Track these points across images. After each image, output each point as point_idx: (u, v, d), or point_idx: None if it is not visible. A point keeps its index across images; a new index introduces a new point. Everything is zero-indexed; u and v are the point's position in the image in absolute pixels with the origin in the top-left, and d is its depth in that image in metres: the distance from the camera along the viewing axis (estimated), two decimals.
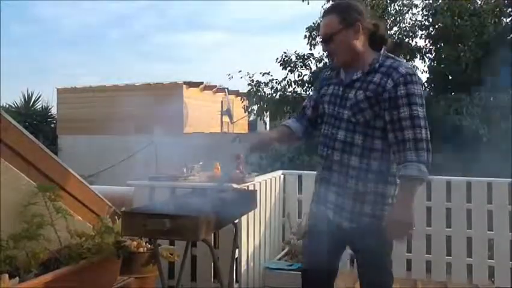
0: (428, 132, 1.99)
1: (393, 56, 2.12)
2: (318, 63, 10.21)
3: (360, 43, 2.13)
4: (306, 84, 10.03)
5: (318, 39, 2.73)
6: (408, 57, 10.02)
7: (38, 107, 16.32)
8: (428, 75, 10.40)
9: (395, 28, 10.48)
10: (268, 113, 10.49)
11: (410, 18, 10.70)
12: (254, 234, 3.77)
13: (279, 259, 4.11)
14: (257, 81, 10.29)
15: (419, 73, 10.53)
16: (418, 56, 10.20)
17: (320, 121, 2.31)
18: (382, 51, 2.13)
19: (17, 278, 2.16)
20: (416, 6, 10.60)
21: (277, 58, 10.06)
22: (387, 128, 2.04)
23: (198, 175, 3.86)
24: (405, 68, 2.04)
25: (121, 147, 12.38)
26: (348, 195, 2.11)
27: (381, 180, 2.09)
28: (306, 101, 2.44)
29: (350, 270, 3.91)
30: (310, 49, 10.10)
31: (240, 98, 13.08)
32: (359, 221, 2.11)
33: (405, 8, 10.63)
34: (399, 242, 2.21)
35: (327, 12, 2.19)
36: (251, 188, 3.54)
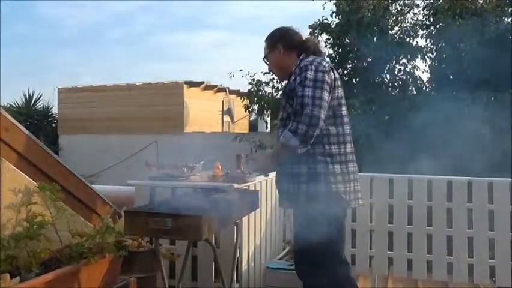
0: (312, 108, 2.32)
1: (308, 58, 2.58)
2: None
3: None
4: None
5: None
6: (409, 57, 10.03)
7: (39, 106, 16.31)
8: (429, 75, 10.40)
9: (396, 28, 10.48)
10: (269, 113, 10.49)
11: (411, 18, 10.70)
12: (255, 234, 3.77)
13: (280, 259, 4.11)
14: (258, 80, 10.28)
15: (419, 73, 10.57)
16: (419, 56, 10.20)
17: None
18: (301, 57, 2.63)
19: (18, 278, 2.16)
20: (418, 5, 10.60)
21: None
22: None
23: (199, 175, 3.86)
24: (306, 62, 2.50)
25: (122, 146, 12.39)
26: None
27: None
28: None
29: None
30: None
31: (240, 97, 13.07)
32: None
33: (406, 8, 10.63)
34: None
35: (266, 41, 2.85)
36: (252, 187, 3.54)
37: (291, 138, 2.30)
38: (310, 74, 2.37)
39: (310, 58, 2.52)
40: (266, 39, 2.75)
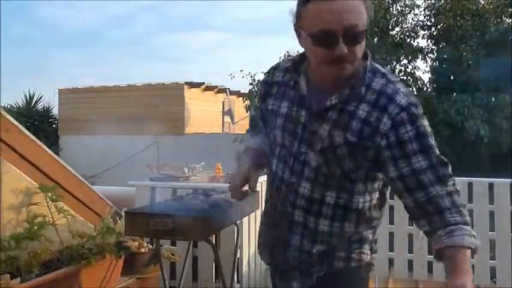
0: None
1: (381, 69, 1.44)
2: None
3: None
4: None
5: (336, 28, 1.29)
6: (410, 58, 10.04)
7: (40, 107, 16.33)
8: (429, 75, 10.41)
9: (397, 28, 10.49)
10: None
11: (412, 19, 10.73)
12: (255, 235, 3.77)
13: None
14: (258, 80, 10.31)
15: (420, 73, 10.57)
16: (420, 56, 10.22)
17: (269, 150, 1.61)
18: (368, 61, 1.43)
19: (19, 279, 2.17)
20: (418, 6, 10.63)
21: (280, 58, 10.08)
22: (392, 185, 1.41)
23: (200, 175, 3.87)
24: (405, 96, 1.37)
25: (123, 147, 12.39)
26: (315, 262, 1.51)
27: (357, 240, 1.52)
28: (253, 111, 1.71)
29: None
30: None
31: (241, 98, 13.09)
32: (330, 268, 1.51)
33: (407, 9, 10.64)
34: None
35: None
36: None
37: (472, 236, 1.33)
38: (427, 125, 1.38)
39: (398, 81, 1.44)
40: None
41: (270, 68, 1.62)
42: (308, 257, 1.50)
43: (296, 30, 1.41)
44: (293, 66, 1.52)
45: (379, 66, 1.45)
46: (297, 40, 1.43)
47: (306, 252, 1.50)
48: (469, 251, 1.30)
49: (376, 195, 1.50)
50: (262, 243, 1.67)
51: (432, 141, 1.36)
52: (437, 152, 1.36)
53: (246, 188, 1.59)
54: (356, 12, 1.30)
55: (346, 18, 1.28)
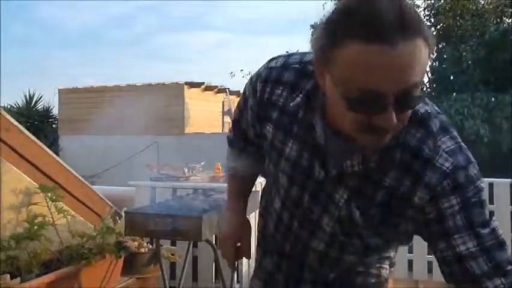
0: None
1: (420, 112, 1.01)
2: None
3: None
4: None
5: (386, 89, 0.84)
6: None
7: (40, 107, 16.34)
8: (429, 75, 10.42)
9: None
10: None
11: None
12: (255, 235, 3.77)
13: None
14: None
15: None
16: None
17: (263, 173, 1.36)
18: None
19: (19, 279, 2.16)
20: (418, 6, 10.62)
21: None
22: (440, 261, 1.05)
23: (200, 175, 3.87)
24: (450, 156, 1.00)
25: (123, 147, 12.38)
26: None
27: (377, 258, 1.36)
28: (237, 118, 1.35)
29: None
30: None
31: None
32: None
33: None
34: None
35: (407, 33, 0.85)
36: (252, 188, 3.54)
37: None
38: (481, 195, 1.03)
39: (449, 132, 1.04)
40: (425, 33, 0.88)
41: (260, 79, 1.17)
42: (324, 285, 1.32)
43: (317, 68, 0.97)
44: (306, 97, 1.07)
45: (420, 105, 1.00)
46: (317, 77, 0.98)
47: (322, 283, 1.31)
48: None
49: None
50: (263, 272, 1.43)
51: (486, 213, 1.02)
52: (494, 225, 1.04)
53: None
54: (419, 64, 0.86)
55: (404, 77, 0.85)
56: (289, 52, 1.20)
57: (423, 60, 0.88)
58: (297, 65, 1.13)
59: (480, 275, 0.97)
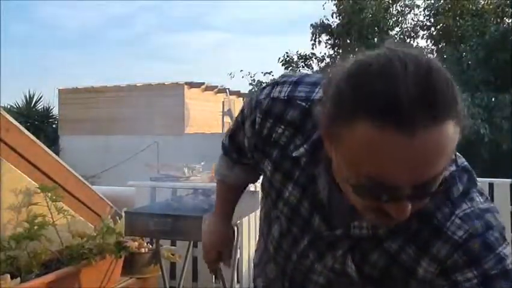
0: None
1: (445, 179, 0.81)
2: (319, 63, 10.24)
3: None
4: None
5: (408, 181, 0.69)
6: None
7: (40, 107, 16.34)
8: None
9: (397, 28, 10.50)
10: None
11: (412, 19, 10.75)
12: (255, 235, 3.77)
13: None
14: (258, 81, 10.32)
15: None
16: None
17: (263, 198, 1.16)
18: None
19: (19, 279, 2.17)
20: (418, 6, 10.65)
21: (279, 58, 10.09)
22: None
23: (200, 175, 3.87)
24: (465, 223, 0.85)
25: (123, 147, 12.39)
26: None
27: None
28: (234, 130, 1.20)
29: None
30: (313, 48, 10.13)
31: (241, 98, 13.08)
32: None
33: (407, 9, 10.66)
34: None
35: (434, 116, 0.68)
36: (252, 188, 3.54)
37: None
38: (503, 261, 0.84)
39: (473, 193, 0.89)
40: (454, 113, 0.71)
41: (260, 109, 1.02)
42: None
43: (323, 136, 0.83)
44: (311, 147, 0.93)
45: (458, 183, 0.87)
46: (324, 143, 0.83)
47: None
48: None
49: None
50: None
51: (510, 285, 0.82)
52: None
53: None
54: (445, 152, 0.72)
55: (425, 170, 0.71)
56: (299, 75, 1.03)
57: (451, 146, 0.72)
58: (303, 103, 0.97)
59: None
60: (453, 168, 0.87)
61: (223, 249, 1.37)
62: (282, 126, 0.98)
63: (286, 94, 0.99)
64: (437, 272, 0.85)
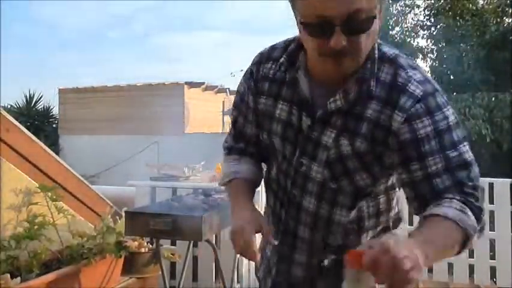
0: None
1: (388, 53, 1.16)
2: None
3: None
4: None
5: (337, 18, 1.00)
6: (410, 58, 10.07)
7: (40, 107, 16.33)
8: (429, 75, 10.43)
9: (397, 28, 10.49)
10: None
11: (412, 19, 10.74)
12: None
13: None
14: None
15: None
16: (420, 56, 10.22)
17: (266, 154, 1.34)
18: (376, 47, 1.15)
19: (19, 278, 2.17)
20: (418, 6, 10.63)
21: None
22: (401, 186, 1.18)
23: (200, 175, 3.87)
24: (420, 84, 1.11)
25: (123, 147, 12.38)
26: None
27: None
28: (235, 116, 1.40)
29: None
30: None
31: None
32: None
33: (407, 8, 10.65)
34: None
35: None
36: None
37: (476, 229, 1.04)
38: (451, 115, 1.11)
39: (412, 64, 1.18)
40: None
41: (252, 63, 1.31)
42: (318, 270, 1.28)
43: (295, 16, 1.12)
44: (288, 58, 1.22)
45: (387, 50, 1.16)
46: (297, 29, 1.13)
47: (315, 267, 1.28)
48: (452, 226, 1.00)
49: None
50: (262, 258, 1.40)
51: (454, 137, 1.08)
52: (464, 149, 1.09)
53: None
54: None
55: (347, 2, 0.99)
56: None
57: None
58: (282, 44, 1.28)
59: (442, 189, 1.07)
60: (396, 51, 1.19)
61: (262, 222, 1.25)
62: (270, 62, 1.27)
63: (269, 47, 1.31)
64: (402, 120, 1.09)
